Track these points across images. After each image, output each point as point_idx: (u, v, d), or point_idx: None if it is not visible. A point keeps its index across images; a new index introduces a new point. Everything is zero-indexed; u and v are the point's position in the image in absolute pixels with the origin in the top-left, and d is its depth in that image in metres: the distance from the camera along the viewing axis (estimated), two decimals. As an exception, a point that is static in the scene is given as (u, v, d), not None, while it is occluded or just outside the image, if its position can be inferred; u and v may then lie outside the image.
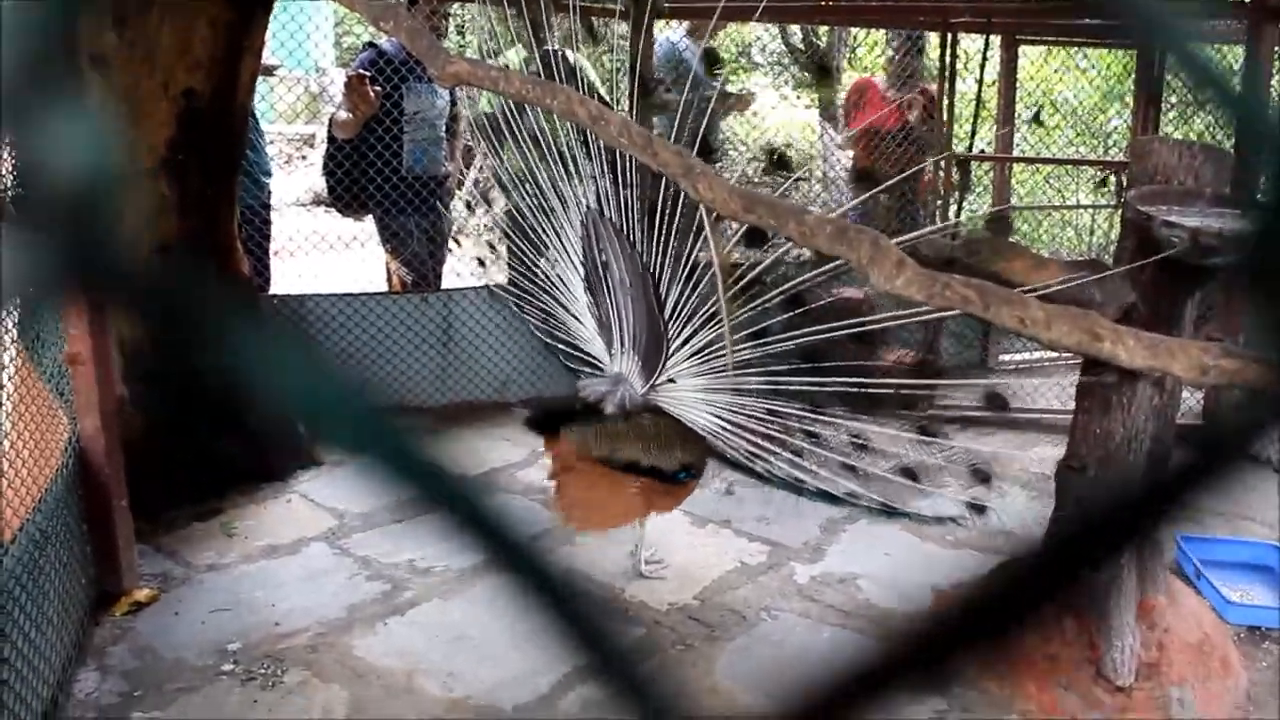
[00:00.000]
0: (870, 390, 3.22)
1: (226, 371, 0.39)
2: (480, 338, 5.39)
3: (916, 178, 6.09)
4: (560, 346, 3.74)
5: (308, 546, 3.88)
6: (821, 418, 3.27)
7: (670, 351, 3.35)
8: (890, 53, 6.64)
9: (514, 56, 5.89)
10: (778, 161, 3.41)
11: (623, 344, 3.44)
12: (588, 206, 3.39)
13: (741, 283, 3.26)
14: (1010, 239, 4.08)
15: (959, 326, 6.13)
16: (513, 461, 4.69)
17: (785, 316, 3.29)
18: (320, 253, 6.25)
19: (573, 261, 3.54)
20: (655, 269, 3.32)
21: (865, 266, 1.23)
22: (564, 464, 3.41)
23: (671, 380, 3.37)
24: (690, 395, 3.36)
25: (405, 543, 3.85)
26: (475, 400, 5.42)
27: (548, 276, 3.68)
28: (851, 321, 3.16)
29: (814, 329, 3.22)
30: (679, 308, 3.33)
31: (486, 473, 4.56)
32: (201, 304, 0.39)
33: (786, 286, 3.26)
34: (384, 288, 5.66)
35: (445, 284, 5.71)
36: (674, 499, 3.53)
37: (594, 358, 3.59)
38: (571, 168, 3.42)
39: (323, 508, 4.17)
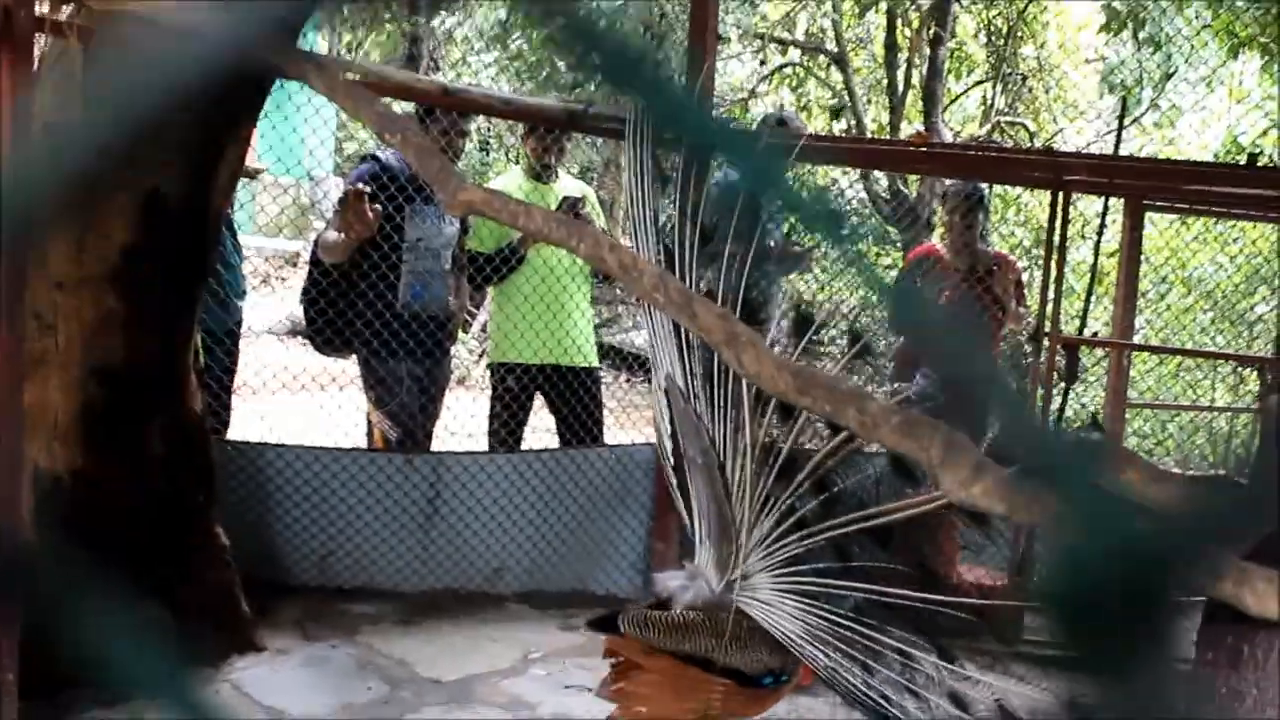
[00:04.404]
0: (913, 605, 3.23)
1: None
2: (473, 513, 5.37)
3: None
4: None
5: (235, 754, 3.82)
6: (867, 631, 3.27)
7: (739, 543, 3.37)
8: (944, 213, 6.64)
9: (515, 179, 6.06)
10: (802, 320, 3.50)
11: (701, 533, 3.48)
12: (666, 373, 3.45)
13: (779, 461, 3.33)
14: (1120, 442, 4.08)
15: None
16: (499, 668, 4.63)
17: (815, 504, 3.33)
18: (290, 392, 6.32)
19: (662, 433, 3.60)
20: (719, 445, 3.36)
21: (935, 469, 1.24)
22: (628, 662, 3.38)
23: (745, 576, 3.38)
24: (768, 595, 3.36)
25: (355, 760, 3.78)
26: (461, 588, 5.38)
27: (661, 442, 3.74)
28: (860, 515, 3.24)
29: (834, 523, 3.28)
30: (742, 491, 3.36)
31: (464, 680, 4.50)
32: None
33: (812, 466, 3.33)
34: (362, 443, 5.70)
35: (435, 445, 5.73)
36: (759, 705, 3.48)
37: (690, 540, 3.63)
38: (656, 326, 3.50)
39: (258, 704, 4.11)
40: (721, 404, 3.37)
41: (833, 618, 3.29)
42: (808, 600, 3.32)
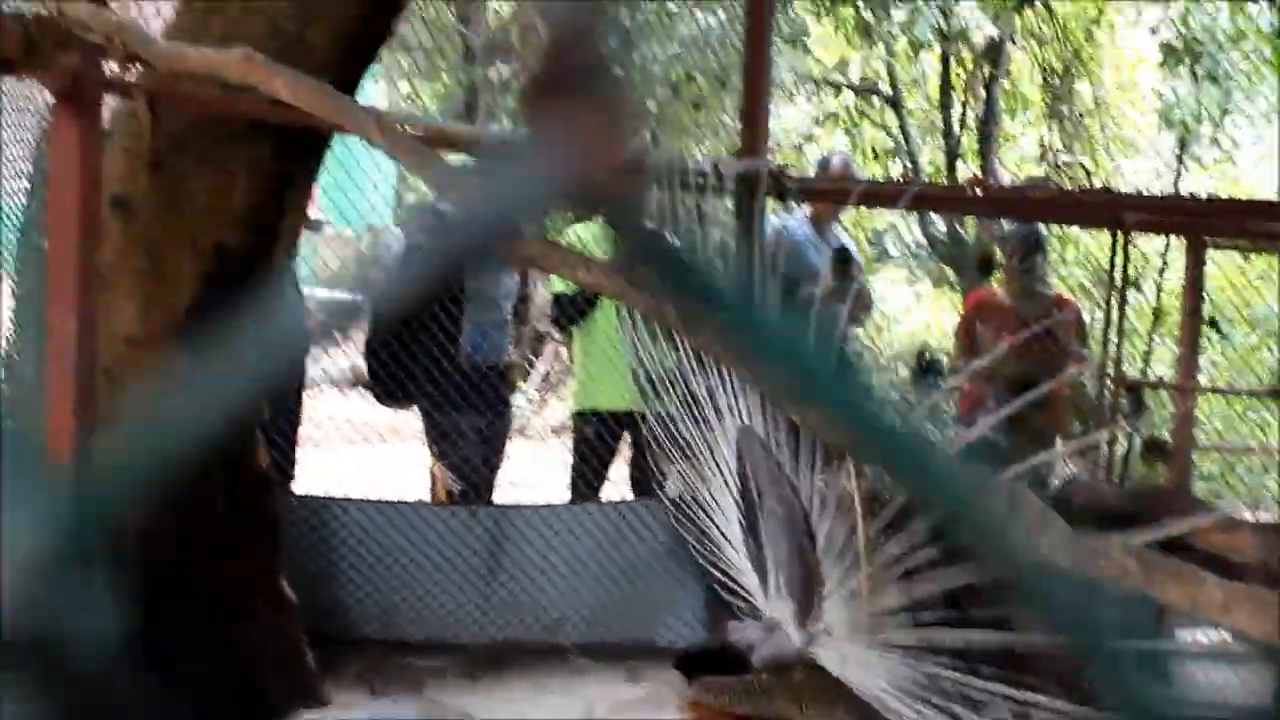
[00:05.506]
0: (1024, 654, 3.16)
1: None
2: (535, 565, 5.37)
3: (1052, 408, 6.01)
4: (716, 574, 3.72)
5: (300, 811, 3.82)
6: (978, 684, 3.19)
7: (824, 596, 3.31)
8: (1002, 257, 6.48)
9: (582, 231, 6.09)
10: (927, 365, 3.41)
11: (777, 584, 3.42)
12: (742, 422, 3.42)
13: (887, 514, 3.25)
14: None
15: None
16: (560, 722, 4.62)
17: (931, 553, 3.24)
18: (352, 445, 6.37)
19: (726, 482, 3.56)
20: (806, 497, 3.31)
21: (1000, 523, 1.23)
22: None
23: (828, 631, 3.32)
24: (850, 650, 3.30)
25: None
26: (522, 640, 5.36)
27: (698, 495, 3.70)
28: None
29: (958, 569, 3.18)
30: (831, 543, 3.29)
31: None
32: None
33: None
34: (425, 496, 5.71)
35: (496, 496, 5.74)
36: None
37: (750, 595, 3.57)
38: (726, 373, 3.46)
39: (326, 760, 4.12)
40: (809, 454, 3.33)
41: (930, 669, 3.21)
42: (900, 651, 3.25)
